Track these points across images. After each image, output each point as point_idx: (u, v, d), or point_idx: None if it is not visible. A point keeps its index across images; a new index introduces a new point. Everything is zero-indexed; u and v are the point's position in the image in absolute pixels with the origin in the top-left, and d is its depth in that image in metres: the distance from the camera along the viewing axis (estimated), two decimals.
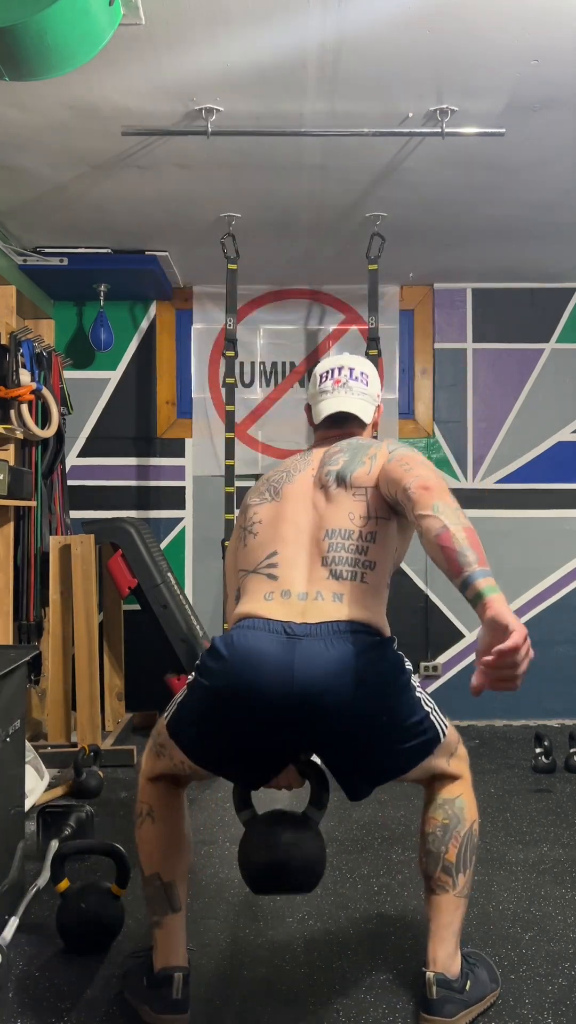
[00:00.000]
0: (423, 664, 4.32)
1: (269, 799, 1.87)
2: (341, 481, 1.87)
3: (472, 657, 4.34)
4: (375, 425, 2.12)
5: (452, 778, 1.85)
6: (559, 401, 4.39)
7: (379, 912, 2.29)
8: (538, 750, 3.45)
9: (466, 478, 4.38)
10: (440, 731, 1.79)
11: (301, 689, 1.64)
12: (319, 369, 2.11)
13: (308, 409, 2.14)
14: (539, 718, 4.32)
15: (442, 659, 4.36)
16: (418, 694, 1.77)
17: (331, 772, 1.82)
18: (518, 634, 1.43)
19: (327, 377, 2.07)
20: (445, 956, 1.78)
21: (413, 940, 2.12)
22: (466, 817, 1.83)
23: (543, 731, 3.74)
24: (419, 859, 1.88)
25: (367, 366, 2.10)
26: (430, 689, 4.33)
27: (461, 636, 4.37)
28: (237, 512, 2.04)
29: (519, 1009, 1.83)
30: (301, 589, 1.76)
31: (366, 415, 2.06)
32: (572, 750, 3.38)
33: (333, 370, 2.07)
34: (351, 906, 2.32)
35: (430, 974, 1.76)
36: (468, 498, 4.36)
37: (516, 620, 1.45)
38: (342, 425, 2.05)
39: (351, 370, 2.06)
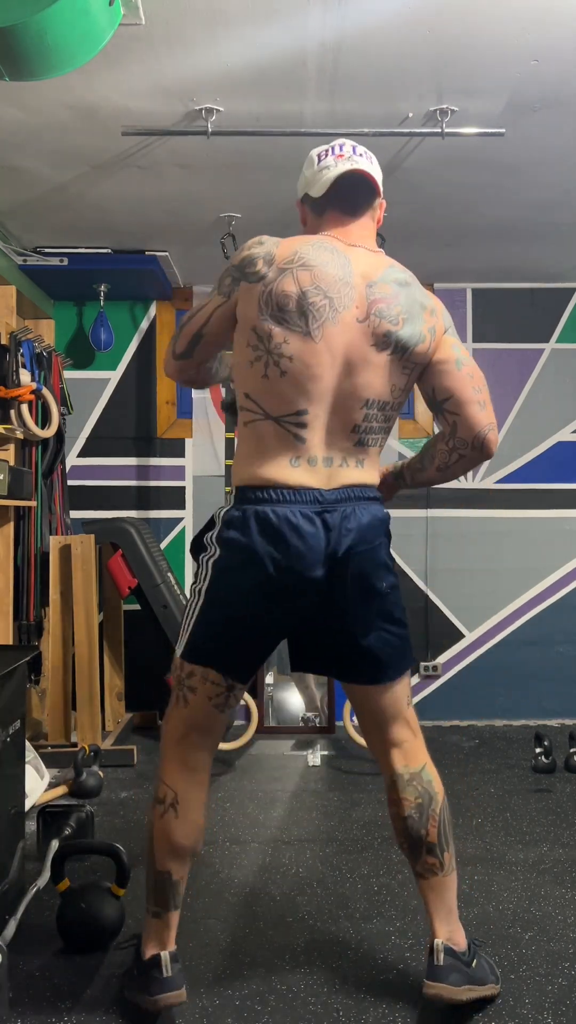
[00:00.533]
0: (423, 664, 4.32)
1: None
2: (400, 350, 1.74)
3: (472, 657, 4.37)
4: (379, 221, 1.90)
5: (410, 734, 1.85)
6: (559, 401, 4.39)
7: (379, 912, 2.29)
8: (538, 750, 3.45)
9: (466, 478, 4.38)
10: (410, 650, 1.88)
11: (334, 556, 1.71)
12: (313, 152, 1.85)
13: (301, 203, 1.91)
14: (539, 718, 4.32)
15: (442, 659, 4.36)
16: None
17: (331, 650, 1.83)
18: None
19: (328, 153, 1.82)
20: (450, 929, 1.81)
21: (413, 940, 2.12)
22: (436, 791, 1.84)
23: (543, 731, 3.74)
24: (400, 844, 1.87)
25: (367, 150, 1.86)
26: (430, 689, 4.34)
27: (461, 636, 4.37)
28: (245, 268, 1.74)
29: (519, 1009, 1.83)
30: (325, 454, 1.75)
31: (378, 189, 1.83)
32: (572, 750, 3.38)
33: (333, 146, 1.82)
34: (351, 906, 2.32)
35: (438, 941, 1.77)
36: (468, 498, 4.37)
37: None
38: (357, 208, 1.82)
39: (354, 146, 1.82)
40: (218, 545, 1.75)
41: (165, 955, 1.76)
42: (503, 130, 2.66)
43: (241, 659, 1.78)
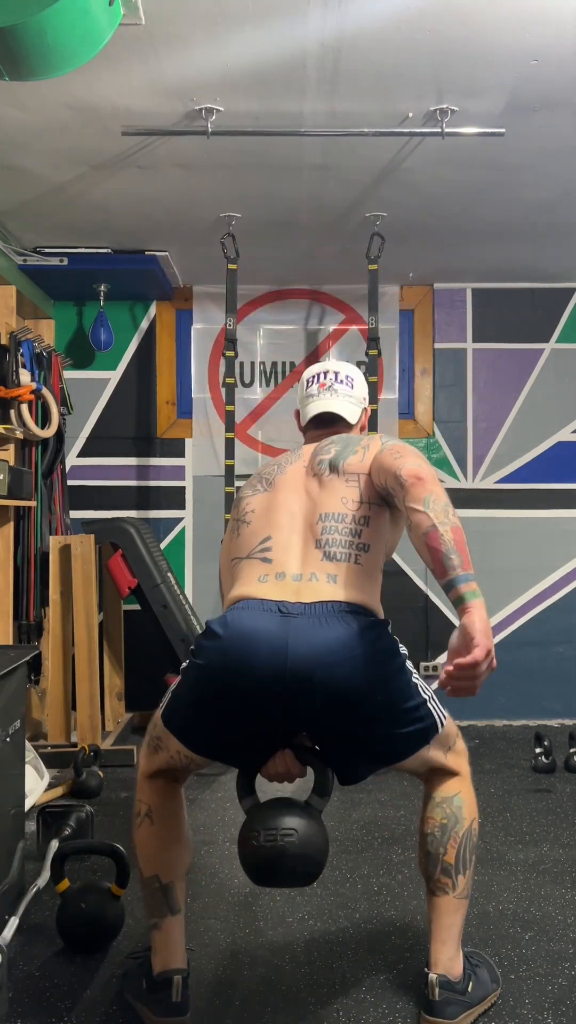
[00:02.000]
0: (423, 664, 4.31)
1: (275, 789, 1.87)
2: (334, 468, 1.91)
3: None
4: (362, 428, 2.17)
5: (450, 774, 1.84)
6: (559, 401, 4.39)
7: (379, 912, 2.29)
8: (538, 750, 3.45)
9: (466, 478, 4.38)
10: (438, 720, 1.79)
11: (294, 665, 1.64)
12: (306, 375, 2.17)
13: (297, 414, 2.20)
14: (539, 718, 4.32)
15: (442, 659, 4.36)
16: (415, 680, 1.77)
17: (324, 755, 1.81)
18: (480, 650, 1.50)
19: (313, 381, 2.13)
20: (447, 958, 1.78)
21: (413, 940, 2.12)
22: (464, 816, 1.82)
23: (543, 731, 3.74)
24: (419, 860, 1.88)
25: (353, 370, 2.16)
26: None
27: None
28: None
29: (519, 1009, 1.83)
30: (295, 571, 1.78)
31: (352, 416, 2.11)
32: (572, 750, 3.38)
33: (319, 374, 2.13)
34: (351, 906, 2.32)
35: (432, 976, 1.76)
36: (468, 498, 4.36)
37: (485, 634, 1.52)
38: (329, 426, 2.10)
39: (336, 374, 2.12)
40: (194, 643, 1.80)
41: (178, 980, 1.75)
42: (503, 130, 2.66)
43: (208, 745, 1.78)
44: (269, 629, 1.67)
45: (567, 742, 3.47)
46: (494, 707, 4.33)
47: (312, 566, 1.78)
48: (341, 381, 2.12)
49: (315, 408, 2.11)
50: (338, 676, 1.64)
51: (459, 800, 1.83)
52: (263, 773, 1.81)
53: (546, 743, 3.45)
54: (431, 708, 1.78)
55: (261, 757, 1.79)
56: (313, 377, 2.15)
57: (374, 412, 3.73)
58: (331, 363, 2.18)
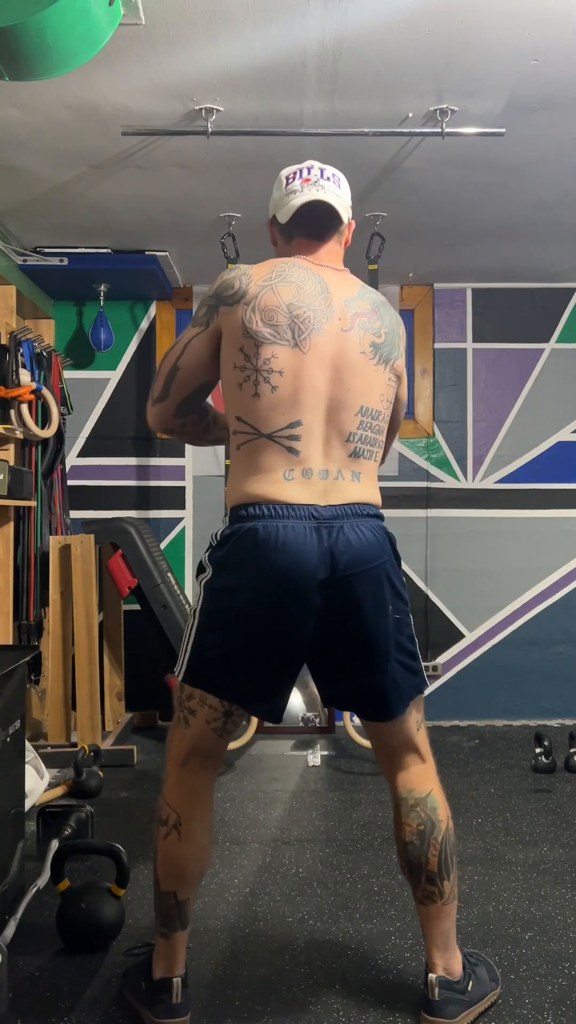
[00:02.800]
0: (423, 664, 4.31)
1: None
2: (384, 361, 1.77)
3: (472, 657, 4.36)
4: (347, 242, 1.92)
5: (418, 759, 1.82)
6: (559, 401, 4.39)
7: (379, 912, 2.29)
8: (538, 750, 3.45)
9: (466, 478, 4.38)
10: (424, 675, 1.84)
11: (336, 577, 1.65)
12: (283, 173, 1.86)
13: (271, 223, 1.91)
14: (539, 718, 4.32)
15: (442, 659, 4.36)
16: (409, 619, 1.82)
17: (338, 680, 1.80)
18: None
19: (295, 177, 1.84)
20: (445, 959, 1.79)
21: (413, 940, 2.12)
22: (440, 819, 1.79)
23: (543, 731, 3.74)
24: (399, 865, 1.85)
25: (338, 172, 1.88)
26: (430, 689, 4.33)
27: (461, 636, 4.37)
28: (222, 293, 1.74)
29: (519, 1009, 1.83)
30: (322, 466, 1.69)
31: (343, 212, 1.84)
32: (572, 750, 3.38)
33: (302, 169, 1.84)
34: (351, 906, 2.32)
35: (432, 976, 1.76)
36: (468, 498, 4.37)
37: None
38: (322, 234, 1.84)
39: (322, 170, 1.84)
40: (211, 565, 1.72)
41: (177, 982, 1.75)
42: (503, 130, 2.66)
43: (238, 683, 1.71)
44: (309, 544, 1.64)
45: (567, 742, 3.47)
46: (494, 707, 4.33)
47: (339, 462, 1.71)
48: (327, 178, 1.82)
49: (305, 195, 1.79)
50: (371, 581, 1.69)
51: (433, 801, 1.80)
52: None
53: (546, 743, 3.45)
54: (418, 669, 1.82)
55: (289, 684, 1.76)
56: (294, 173, 1.84)
57: None
58: (313, 161, 1.88)
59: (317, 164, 1.85)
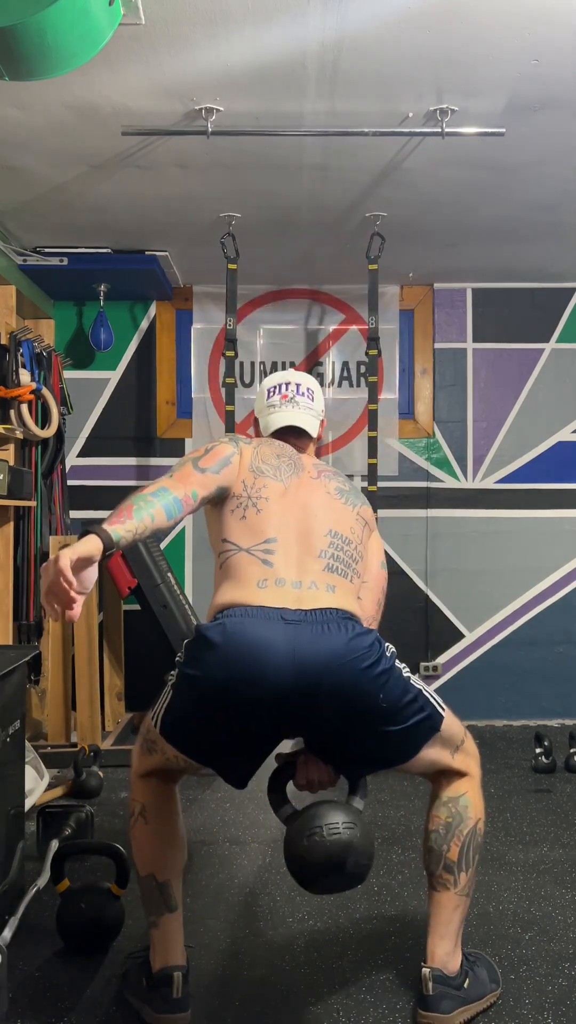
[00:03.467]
0: (423, 664, 4.32)
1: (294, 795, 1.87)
2: (350, 502, 1.98)
3: (472, 657, 4.36)
4: (319, 439, 2.21)
5: (459, 775, 1.85)
6: (559, 401, 4.38)
7: (379, 912, 2.29)
8: (538, 750, 3.45)
9: (466, 478, 4.38)
10: (438, 708, 1.80)
11: (302, 672, 1.64)
12: (266, 384, 2.18)
13: (255, 422, 2.20)
14: (539, 718, 4.32)
15: (442, 659, 4.36)
16: (406, 674, 1.79)
17: (329, 758, 1.82)
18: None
19: (274, 392, 2.15)
20: (444, 953, 1.79)
21: (413, 940, 2.12)
22: (470, 816, 1.83)
23: (543, 731, 3.73)
24: (422, 856, 1.89)
25: (313, 383, 2.19)
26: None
27: (461, 636, 4.37)
28: (227, 444, 1.97)
29: (519, 1009, 1.83)
30: (295, 578, 1.78)
31: (313, 429, 2.14)
32: (572, 750, 3.38)
33: (280, 385, 2.15)
34: (351, 906, 2.32)
35: (426, 970, 1.77)
36: (468, 498, 4.37)
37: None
38: (294, 443, 2.11)
39: (298, 386, 2.15)
40: (183, 654, 1.78)
41: (178, 976, 1.76)
42: (503, 130, 2.65)
43: (203, 755, 1.79)
44: (274, 638, 1.66)
45: (567, 742, 3.46)
46: (494, 707, 4.33)
47: (312, 575, 1.79)
48: (302, 394, 2.14)
49: (279, 420, 2.12)
50: (345, 680, 1.66)
51: (465, 800, 1.84)
52: (296, 783, 1.84)
53: (546, 743, 3.45)
54: (428, 697, 1.80)
55: (255, 761, 1.81)
56: (274, 388, 2.16)
57: (373, 412, 3.73)
58: (291, 373, 2.19)
59: (295, 380, 2.16)
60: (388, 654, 1.76)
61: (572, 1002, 1.86)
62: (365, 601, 1.96)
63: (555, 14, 2.12)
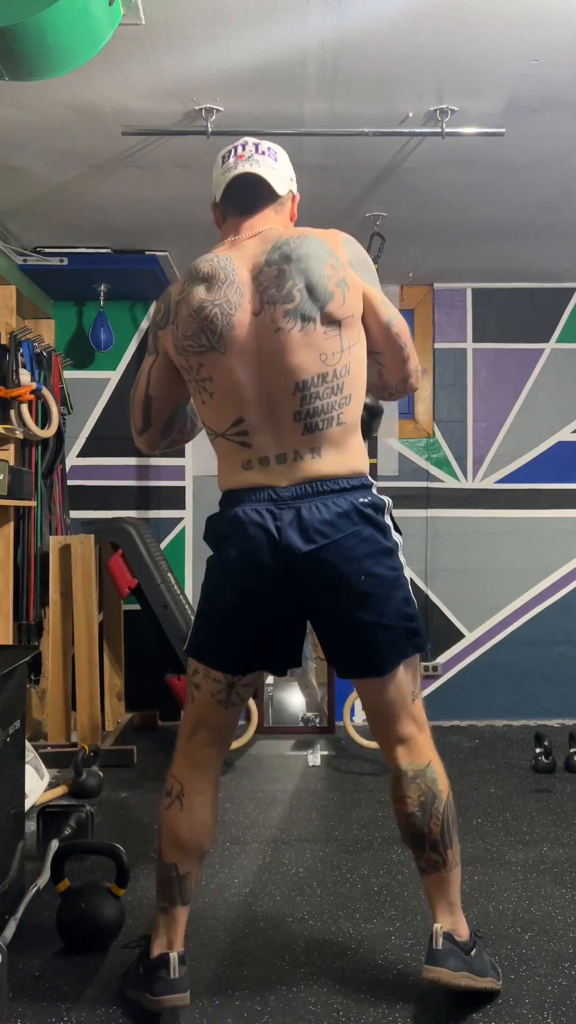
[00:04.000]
0: (423, 664, 4.31)
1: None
2: (308, 320, 1.69)
3: (472, 657, 4.36)
4: (292, 217, 1.91)
5: (415, 730, 1.82)
6: (559, 401, 4.39)
7: (379, 912, 2.29)
8: (538, 750, 3.45)
9: (466, 478, 4.38)
10: (423, 636, 1.82)
11: (293, 551, 1.70)
12: (222, 151, 1.87)
13: (213, 207, 1.91)
14: (539, 718, 4.32)
15: (442, 659, 4.36)
16: (406, 573, 1.82)
17: (325, 644, 1.87)
18: None
19: (230, 155, 1.84)
20: (452, 920, 1.81)
21: (413, 940, 2.12)
22: (441, 789, 1.81)
23: (543, 731, 3.74)
24: (402, 838, 1.86)
25: (277, 146, 1.87)
26: (430, 689, 4.33)
27: (461, 636, 4.37)
28: (155, 319, 1.83)
29: (519, 1009, 1.83)
30: (277, 451, 1.75)
31: (279, 185, 1.82)
32: (572, 750, 3.38)
33: (236, 147, 1.84)
34: (351, 906, 2.32)
35: (436, 926, 1.78)
36: (468, 498, 4.37)
37: None
38: (252, 207, 1.83)
39: (256, 145, 1.84)
40: (207, 544, 1.86)
41: (174, 956, 1.76)
42: (503, 130, 2.65)
43: (229, 652, 1.80)
44: (267, 523, 1.72)
45: (567, 742, 3.47)
46: (494, 707, 4.33)
47: (293, 443, 1.74)
48: (262, 152, 1.83)
49: (235, 170, 1.80)
50: (334, 556, 1.71)
51: (432, 772, 1.82)
52: None
53: (546, 743, 3.45)
54: (419, 621, 1.82)
55: (286, 653, 1.85)
56: (229, 151, 1.85)
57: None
58: (248, 138, 1.87)
59: (252, 140, 1.86)
60: (386, 534, 1.78)
61: (572, 1002, 1.86)
62: (387, 377, 1.89)
63: (555, 14, 2.12)
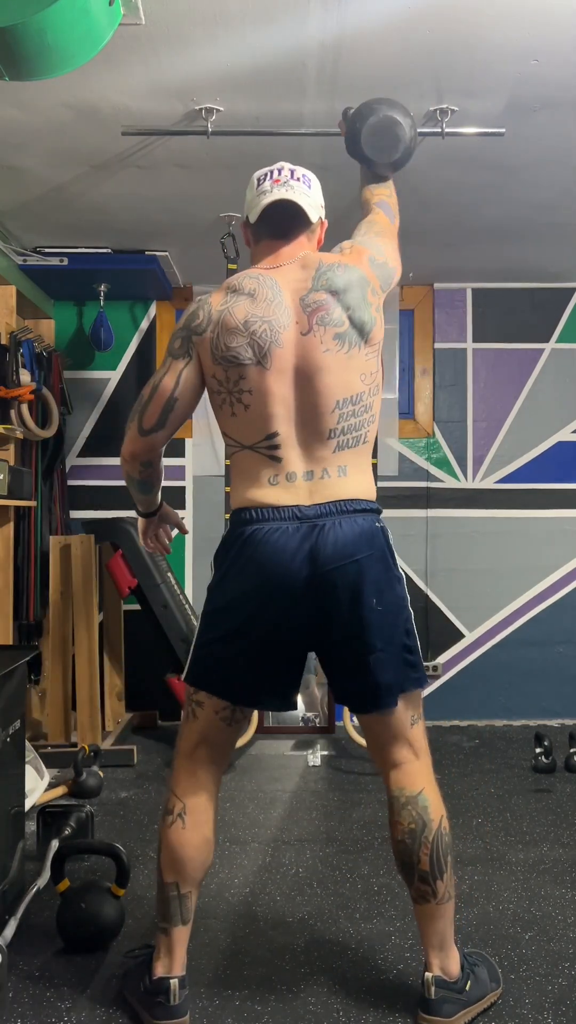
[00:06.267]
0: (423, 664, 4.31)
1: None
2: (354, 344, 1.77)
3: (472, 657, 4.36)
4: (319, 242, 1.97)
5: (412, 757, 1.80)
6: (559, 401, 4.38)
7: (379, 912, 2.29)
8: (538, 750, 3.45)
9: (466, 478, 4.38)
10: (423, 673, 1.83)
11: (317, 569, 1.70)
12: (256, 175, 1.92)
13: (245, 226, 1.95)
14: (539, 718, 4.32)
15: (442, 659, 4.36)
16: (409, 605, 1.83)
17: (332, 674, 1.85)
18: None
19: (265, 179, 1.88)
20: (441, 959, 1.79)
21: (413, 940, 2.12)
22: (432, 818, 1.78)
23: (543, 731, 3.74)
24: (396, 865, 1.86)
25: (310, 173, 1.94)
26: (430, 689, 4.33)
27: (461, 636, 4.37)
28: (177, 364, 1.83)
29: (519, 1009, 1.84)
30: (305, 468, 1.76)
31: (312, 211, 1.89)
32: (572, 750, 3.38)
33: (272, 171, 1.89)
34: (351, 906, 2.32)
35: (428, 975, 1.77)
36: (468, 498, 4.37)
37: None
38: (287, 232, 1.88)
39: (292, 171, 1.89)
40: (213, 566, 1.84)
41: (175, 983, 1.76)
42: (503, 130, 2.65)
43: (234, 683, 1.78)
44: (291, 543, 1.71)
45: (567, 742, 3.47)
46: (494, 707, 4.33)
47: (322, 462, 1.76)
48: (297, 179, 1.88)
49: (272, 195, 1.84)
50: (354, 575, 1.72)
51: (424, 799, 1.79)
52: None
53: (546, 743, 3.45)
54: (419, 655, 1.84)
55: (289, 679, 1.83)
56: (265, 175, 1.89)
57: None
58: (284, 163, 1.92)
59: (288, 165, 1.91)
60: (393, 563, 1.80)
61: (572, 1002, 1.86)
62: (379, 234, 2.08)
63: (555, 14, 2.12)
